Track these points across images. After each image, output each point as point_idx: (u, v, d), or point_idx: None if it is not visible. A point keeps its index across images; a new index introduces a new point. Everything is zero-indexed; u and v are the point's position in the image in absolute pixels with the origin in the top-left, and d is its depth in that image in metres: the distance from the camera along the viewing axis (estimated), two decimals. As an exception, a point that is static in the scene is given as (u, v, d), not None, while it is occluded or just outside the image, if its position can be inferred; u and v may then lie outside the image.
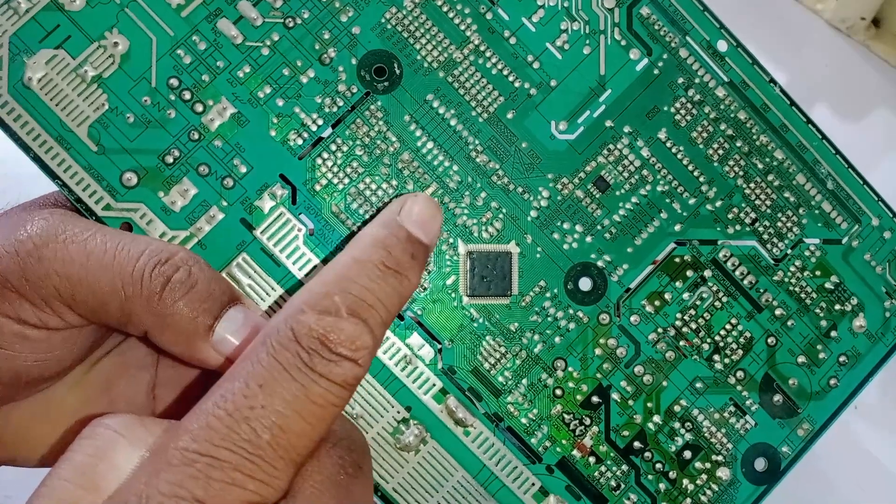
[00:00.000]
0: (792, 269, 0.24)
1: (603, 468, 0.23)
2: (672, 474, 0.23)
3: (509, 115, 0.23)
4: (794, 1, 0.37)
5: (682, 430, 0.23)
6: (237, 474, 0.15)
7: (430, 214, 0.20)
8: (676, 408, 0.23)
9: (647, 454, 0.23)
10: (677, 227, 0.23)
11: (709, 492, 0.23)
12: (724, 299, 0.23)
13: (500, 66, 0.23)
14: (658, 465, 0.23)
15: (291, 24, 0.22)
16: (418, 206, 0.20)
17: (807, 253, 0.24)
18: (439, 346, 0.22)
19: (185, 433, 0.16)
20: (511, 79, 0.23)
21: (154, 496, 0.15)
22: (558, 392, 0.23)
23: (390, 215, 0.20)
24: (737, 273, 0.23)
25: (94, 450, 0.16)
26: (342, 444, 0.18)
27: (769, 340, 0.24)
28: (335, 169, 0.22)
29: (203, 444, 0.15)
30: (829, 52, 0.37)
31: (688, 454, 0.23)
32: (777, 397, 0.23)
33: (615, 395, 0.23)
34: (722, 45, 0.23)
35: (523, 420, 0.22)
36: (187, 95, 0.21)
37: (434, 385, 0.22)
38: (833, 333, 0.24)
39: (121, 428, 0.17)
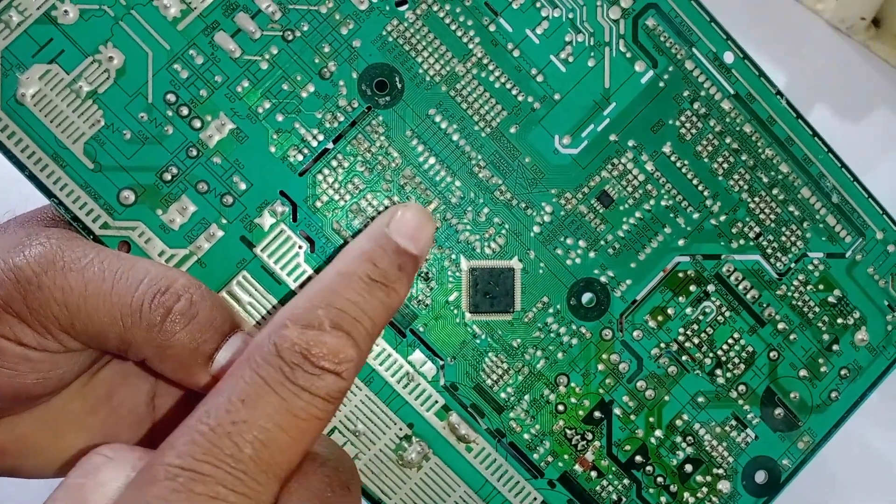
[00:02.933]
0: (795, 283, 0.24)
1: (604, 482, 0.23)
2: (673, 488, 0.23)
3: (512, 130, 0.22)
4: (794, 1, 0.37)
5: (684, 444, 0.23)
6: (220, 488, 0.15)
7: (420, 224, 0.20)
8: (678, 422, 0.23)
9: (649, 468, 0.23)
10: (681, 242, 0.23)
11: (709, 505, 0.23)
12: (727, 314, 0.23)
13: (503, 80, 0.22)
14: (659, 479, 0.23)
15: (290, 38, 0.21)
16: (408, 216, 0.20)
17: (810, 267, 0.24)
18: (441, 363, 0.22)
19: (170, 449, 0.16)
20: (514, 92, 0.22)
21: None
22: (560, 408, 0.23)
23: (378, 227, 0.20)
24: (740, 288, 0.23)
25: (83, 472, 0.17)
26: (330, 465, 0.18)
27: (771, 354, 0.24)
28: (336, 185, 0.22)
29: (186, 459, 0.16)
30: (829, 52, 0.36)
31: (689, 468, 0.23)
32: (778, 411, 0.24)
33: (617, 410, 0.23)
34: (728, 57, 0.23)
35: (525, 436, 0.23)
36: (185, 111, 0.21)
37: (436, 402, 0.22)
38: (835, 347, 0.24)
39: (109, 452, 0.17)
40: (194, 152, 0.21)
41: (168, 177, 0.21)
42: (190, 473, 0.15)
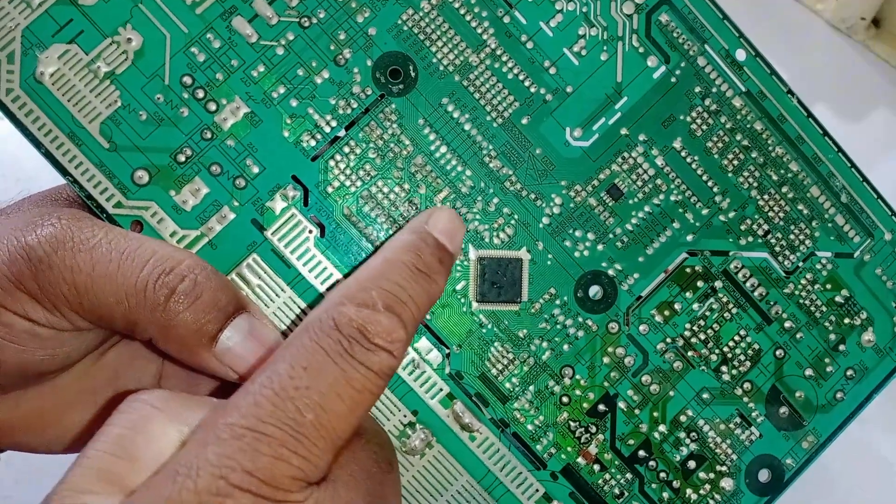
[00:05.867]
0: (803, 282, 0.24)
1: (607, 476, 0.23)
2: (676, 483, 0.23)
3: (524, 121, 0.23)
4: (794, 1, 0.37)
5: (688, 440, 0.23)
6: (283, 450, 0.16)
7: (455, 225, 0.21)
8: (682, 418, 0.23)
9: (652, 463, 0.23)
10: (689, 238, 0.23)
11: (712, 502, 0.23)
12: (734, 311, 0.23)
13: (516, 71, 0.22)
14: (662, 474, 0.23)
15: (307, 24, 0.22)
16: (444, 216, 0.21)
17: (818, 266, 0.24)
18: (447, 351, 0.22)
19: (234, 410, 0.16)
20: (527, 84, 0.22)
21: (204, 467, 0.15)
22: (565, 399, 0.23)
23: (419, 224, 0.21)
24: (747, 285, 0.23)
25: (130, 423, 0.17)
26: (374, 441, 0.18)
27: (777, 353, 0.24)
28: (348, 171, 0.22)
29: (251, 419, 0.16)
30: (829, 52, 0.37)
31: (692, 464, 0.23)
32: (783, 409, 0.24)
33: (622, 404, 0.23)
34: (740, 55, 0.23)
35: (529, 426, 0.23)
36: (201, 94, 0.21)
37: (441, 390, 0.22)
38: (841, 347, 0.24)
39: (157, 402, 0.17)
40: (209, 135, 0.21)
41: (182, 158, 0.21)
42: (255, 434, 0.16)
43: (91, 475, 0.16)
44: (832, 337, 0.24)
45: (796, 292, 0.24)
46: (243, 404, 0.16)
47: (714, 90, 0.23)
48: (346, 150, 0.22)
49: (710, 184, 0.23)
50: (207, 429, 0.16)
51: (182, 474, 0.15)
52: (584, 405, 0.23)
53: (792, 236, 0.24)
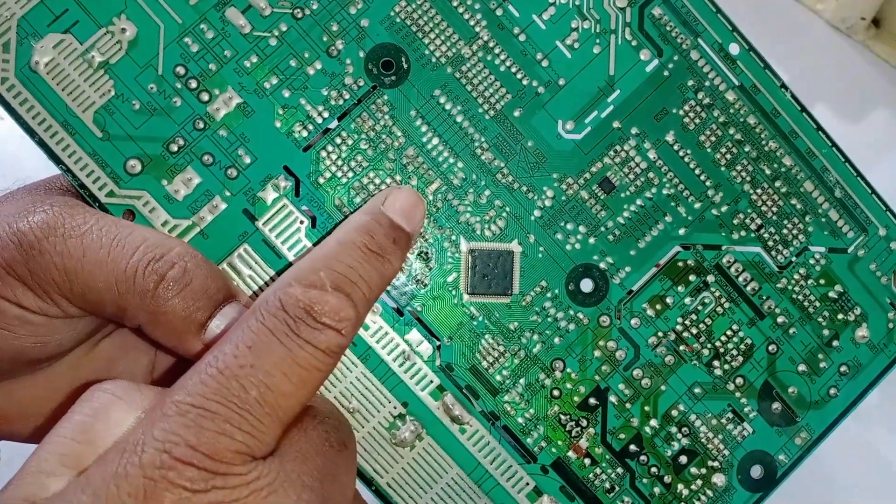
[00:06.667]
0: (796, 276, 0.24)
1: (598, 470, 0.23)
2: (667, 479, 0.23)
3: (516, 113, 0.23)
4: (794, 1, 0.37)
5: (679, 435, 0.23)
6: (227, 425, 0.16)
7: (412, 204, 0.21)
8: (674, 412, 0.23)
9: (643, 458, 0.23)
10: (682, 231, 0.23)
11: (703, 497, 0.23)
12: (726, 305, 0.23)
13: (508, 64, 0.22)
14: (653, 469, 0.23)
15: (300, 15, 0.22)
16: (401, 196, 0.21)
17: (812, 261, 0.24)
18: (438, 343, 0.22)
19: (181, 389, 0.17)
20: (519, 76, 0.23)
21: (149, 442, 0.16)
22: (556, 393, 0.23)
23: (374, 204, 0.21)
24: (740, 279, 0.23)
25: (92, 410, 0.17)
26: (329, 422, 0.19)
27: (770, 348, 0.23)
28: (339, 162, 0.22)
29: (196, 397, 0.16)
30: (829, 52, 0.37)
31: (683, 459, 0.23)
32: (776, 405, 0.23)
33: (613, 398, 0.23)
34: (734, 49, 0.23)
35: (519, 419, 0.22)
36: (193, 84, 0.21)
37: (431, 382, 0.22)
38: (835, 343, 0.24)
39: (118, 391, 0.18)
40: (201, 125, 0.21)
41: (174, 148, 0.21)
42: (199, 410, 0.16)
43: (53, 459, 0.16)
44: (825, 332, 0.24)
45: (789, 287, 0.24)
46: (189, 383, 0.17)
47: (707, 84, 0.23)
48: (338, 140, 0.22)
49: (702, 178, 0.23)
50: (155, 408, 0.17)
51: (128, 451, 0.16)
52: (575, 399, 0.23)
53: (785, 231, 0.23)
